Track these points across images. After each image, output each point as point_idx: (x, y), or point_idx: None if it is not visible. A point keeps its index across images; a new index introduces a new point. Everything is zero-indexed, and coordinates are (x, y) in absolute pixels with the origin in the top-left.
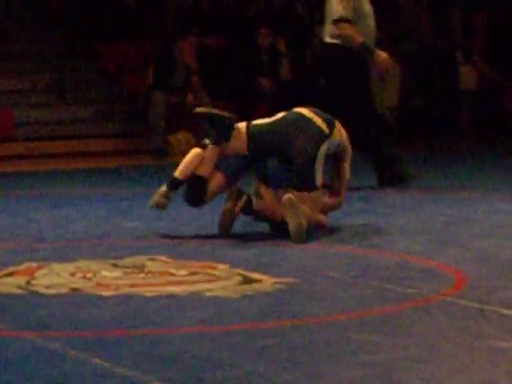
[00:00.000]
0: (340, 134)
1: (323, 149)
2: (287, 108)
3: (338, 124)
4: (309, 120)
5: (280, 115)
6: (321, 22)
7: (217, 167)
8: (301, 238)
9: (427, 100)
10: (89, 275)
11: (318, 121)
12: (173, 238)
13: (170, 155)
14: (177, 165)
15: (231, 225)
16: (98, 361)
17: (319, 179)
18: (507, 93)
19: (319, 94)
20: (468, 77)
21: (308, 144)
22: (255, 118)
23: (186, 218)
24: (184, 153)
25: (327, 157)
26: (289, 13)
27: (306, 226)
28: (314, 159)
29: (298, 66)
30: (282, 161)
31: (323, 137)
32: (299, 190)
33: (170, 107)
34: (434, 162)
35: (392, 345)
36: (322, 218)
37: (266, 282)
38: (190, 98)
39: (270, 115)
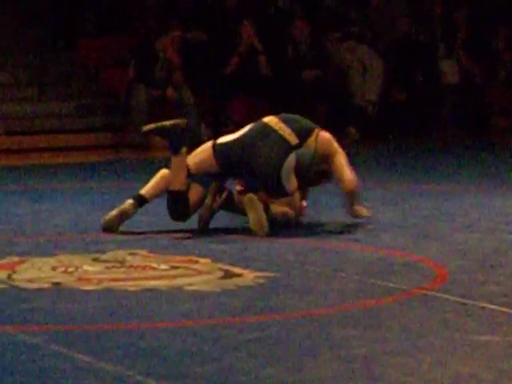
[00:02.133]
0: (318, 142)
1: (289, 161)
2: (267, 102)
3: (317, 132)
4: (274, 131)
5: (246, 128)
6: (302, 15)
7: (193, 180)
8: (260, 231)
9: (409, 94)
10: (70, 269)
11: (286, 132)
12: (154, 232)
13: (151, 149)
14: (157, 161)
15: (210, 219)
16: (79, 355)
17: (292, 185)
18: (488, 86)
19: (301, 89)
20: (450, 71)
21: (271, 157)
22: (233, 115)
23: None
24: (165, 147)
25: (304, 167)
26: (270, 6)
27: (265, 219)
28: (278, 171)
29: (279, 61)
30: (250, 174)
31: (289, 148)
32: (271, 196)
33: (152, 101)
34: (415, 156)
35: (373, 339)
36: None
37: (248, 276)
38: (170, 92)
39: (248, 111)
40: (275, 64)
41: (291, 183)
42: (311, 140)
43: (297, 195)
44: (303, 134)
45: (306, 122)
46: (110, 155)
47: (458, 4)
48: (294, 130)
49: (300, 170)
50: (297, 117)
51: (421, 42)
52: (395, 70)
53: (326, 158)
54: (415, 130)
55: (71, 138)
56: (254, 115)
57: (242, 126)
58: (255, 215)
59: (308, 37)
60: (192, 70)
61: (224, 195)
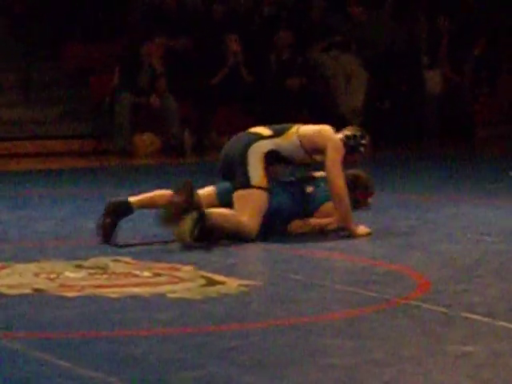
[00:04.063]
0: (301, 133)
1: (259, 145)
2: (251, 111)
3: (298, 127)
4: (247, 131)
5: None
6: (287, 24)
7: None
8: (181, 240)
9: (393, 103)
10: (52, 276)
11: (258, 128)
12: (137, 239)
13: (134, 156)
14: (141, 166)
15: (176, 219)
16: (60, 362)
17: (256, 178)
18: (472, 96)
19: (285, 97)
20: (433, 80)
21: (237, 145)
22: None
23: (151, 219)
24: (148, 154)
25: (295, 159)
26: (255, 15)
27: (189, 231)
28: (244, 153)
29: (263, 70)
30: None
31: (256, 137)
32: (235, 188)
33: (136, 108)
34: (399, 166)
35: (355, 348)
36: (245, 219)
37: (230, 284)
38: (155, 99)
39: (232, 119)
40: (259, 73)
41: (259, 175)
42: (291, 132)
43: (256, 192)
44: (278, 129)
45: (286, 125)
46: (93, 162)
47: (441, 14)
48: (269, 127)
49: (292, 162)
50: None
51: (405, 52)
52: (379, 79)
53: (318, 150)
54: (399, 139)
55: (55, 144)
56: (238, 124)
57: (225, 135)
58: (177, 229)
59: (292, 46)
60: (176, 77)
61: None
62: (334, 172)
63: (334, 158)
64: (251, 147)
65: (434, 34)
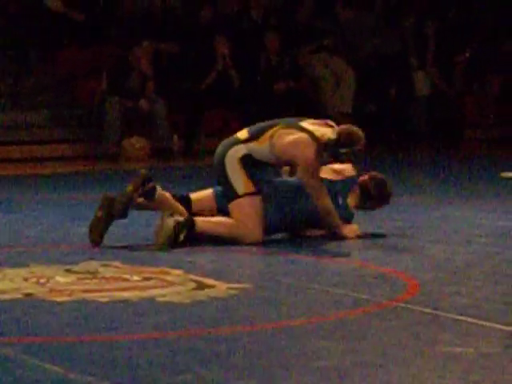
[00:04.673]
0: (274, 137)
1: (235, 150)
2: (239, 115)
3: (275, 130)
4: (232, 136)
5: None
6: (276, 27)
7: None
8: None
9: (381, 106)
10: (42, 280)
11: (241, 131)
12: (126, 243)
13: (123, 160)
14: (130, 170)
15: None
16: (51, 366)
17: (241, 187)
18: (461, 98)
19: (273, 100)
20: (422, 83)
21: (219, 152)
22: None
23: (140, 223)
24: (138, 158)
25: (267, 162)
26: (244, 18)
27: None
28: (222, 159)
29: (251, 73)
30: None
31: (233, 142)
32: (228, 202)
33: (125, 112)
34: (387, 168)
35: (345, 350)
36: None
37: (220, 288)
38: (143, 103)
39: (221, 123)
40: (248, 76)
41: (242, 182)
42: (266, 136)
43: (247, 199)
44: (257, 130)
45: (268, 124)
46: (83, 166)
47: (429, 17)
48: (249, 129)
49: (264, 165)
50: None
51: (393, 54)
52: (368, 81)
53: (288, 162)
54: (387, 141)
55: (44, 148)
56: (226, 127)
57: (213, 139)
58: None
59: (281, 49)
60: (165, 81)
61: (148, 187)
62: (313, 195)
63: (308, 182)
64: (226, 156)
65: (422, 36)
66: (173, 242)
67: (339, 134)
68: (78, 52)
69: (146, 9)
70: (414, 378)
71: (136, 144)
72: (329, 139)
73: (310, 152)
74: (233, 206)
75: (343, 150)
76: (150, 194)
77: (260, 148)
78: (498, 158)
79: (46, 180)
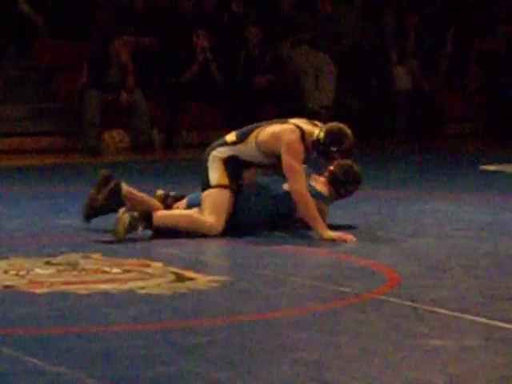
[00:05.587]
0: (258, 136)
1: (220, 151)
2: (219, 108)
3: (261, 129)
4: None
5: None
6: (256, 20)
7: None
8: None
9: (362, 100)
10: (22, 273)
11: (229, 134)
12: (107, 235)
13: (103, 153)
14: (110, 163)
15: (93, 213)
16: (30, 358)
17: (215, 178)
18: (440, 93)
19: (253, 94)
20: (402, 77)
21: (205, 152)
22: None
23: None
24: (118, 151)
25: (252, 163)
26: (224, 11)
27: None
28: (207, 157)
29: (232, 66)
30: None
31: (220, 143)
32: (201, 191)
33: (105, 105)
34: (368, 162)
35: (325, 343)
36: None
37: (200, 280)
38: (124, 96)
39: (200, 117)
40: (228, 69)
41: (217, 175)
42: (252, 136)
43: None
44: (244, 133)
45: (254, 125)
46: (63, 159)
47: (410, 11)
48: (237, 132)
49: (253, 165)
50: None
51: (373, 48)
52: (349, 75)
53: (270, 155)
54: (368, 135)
55: (23, 141)
56: (207, 121)
57: (193, 132)
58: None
59: (261, 42)
60: (145, 74)
61: (110, 186)
62: (291, 177)
63: (288, 162)
64: (211, 155)
65: (402, 29)
66: (129, 234)
67: (327, 132)
68: (58, 45)
69: (127, 2)
70: (394, 371)
71: (116, 137)
72: (317, 137)
73: (293, 136)
74: (203, 195)
75: (333, 149)
76: (114, 193)
77: (246, 148)
78: (477, 152)
79: (26, 173)
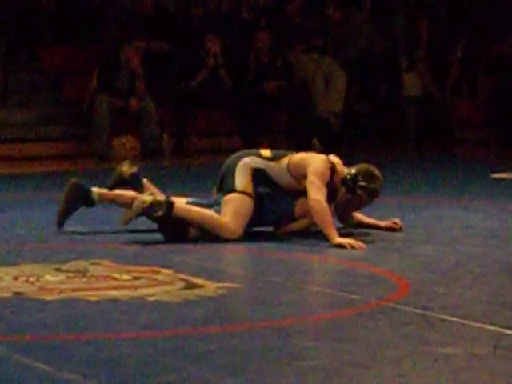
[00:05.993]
0: (291, 159)
1: (251, 160)
2: (230, 114)
3: (291, 154)
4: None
5: None
6: (266, 27)
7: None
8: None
9: (371, 106)
10: (32, 279)
11: (264, 150)
12: (116, 242)
13: (112, 160)
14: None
15: (63, 220)
16: (40, 365)
17: (241, 184)
18: (451, 99)
19: (263, 100)
20: (412, 83)
21: (233, 157)
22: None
23: (131, 222)
24: (127, 157)
25: (281, 184)
26: (235, 17)
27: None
28: (236, 163)
29: (242, 72)
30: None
31: (255, 154)
32: (223, 195)
33: (115, 111)
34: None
35: (334, 350)
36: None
37: (209, 287)
38: (133, 102)
39: (211, 122)
40: (238, 76)
41: (244, 182)
42: (286, 158)
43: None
44: (279, 154)
45: (288, 151)
46: (72, 165)
47: (420, 17)
48: (273, 151)
49: (277, 185)
50: None
51: (383, 54)
52: (358, 81)
53: (299, 178)
54: (378, 142)
55: (33, 147)
56: (218, 127)
57: (204, 138)
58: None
59: (271, 48)
60: (155, 80)
61: (80, 194)
62: (312, 189)
63: (311, 179)
64: (242, 160)
65: (412, 36)
66: (150, 218)
67: (359, 168)
68: (68, 50)
69: (137, 7)
70: (404, 379)
71: (126, 143)
72: (348, 173)
73: (323, 164)
74: (227, 198)
75: (362, 183)
76: (86, 200)
77: (278, 167)
78: (488, 159)
79: (35, 179)
